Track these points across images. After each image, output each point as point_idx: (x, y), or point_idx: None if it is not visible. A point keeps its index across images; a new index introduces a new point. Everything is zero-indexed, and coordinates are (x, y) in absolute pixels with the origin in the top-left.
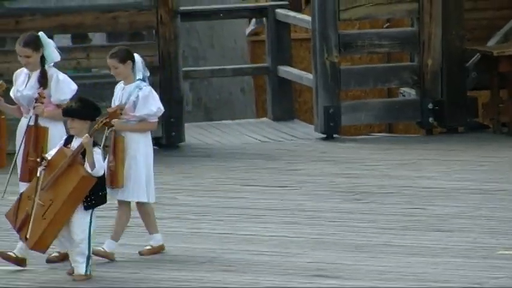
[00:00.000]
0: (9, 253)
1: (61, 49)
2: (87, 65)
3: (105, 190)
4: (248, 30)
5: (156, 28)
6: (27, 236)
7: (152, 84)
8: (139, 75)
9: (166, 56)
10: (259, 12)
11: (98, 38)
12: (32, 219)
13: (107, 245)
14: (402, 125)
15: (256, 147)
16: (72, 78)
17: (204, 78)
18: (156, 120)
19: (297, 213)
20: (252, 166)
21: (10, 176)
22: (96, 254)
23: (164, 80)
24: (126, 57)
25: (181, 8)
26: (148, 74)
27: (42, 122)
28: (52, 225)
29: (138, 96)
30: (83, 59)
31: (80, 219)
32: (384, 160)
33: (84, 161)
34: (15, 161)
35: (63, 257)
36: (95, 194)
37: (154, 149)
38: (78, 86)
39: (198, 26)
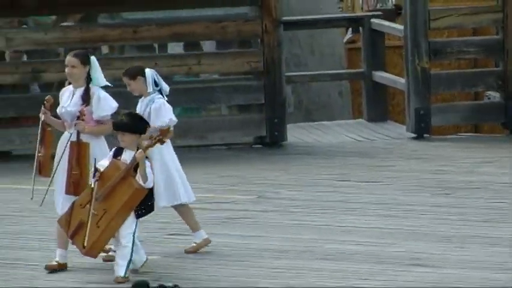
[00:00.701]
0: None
1: (174, 56)
2: (198, 71)
3: (153, 200)
4: (345, 38)
5: (261, 36)
6: (85, 244)
7: (256, 88)
8: (149, 89)
9: (270, 62)
10: (355, 22)
11: (208, 46)
12: (89, 228)
13: (197, 237)
14: (487, 125)
15: (353, 146)
16: (184, 83)
17: (305, 82)
18: (172, 129)
19: (391, 206)
20: (349, 163)
21: (49, 185)
22: (193, 251)
23: (268, 85)
24: (136, 73)
25: (284, 18)
26: (165, 87)
27: (84, 138)
28: (105, 233)
29: (150, 108)
30: (194, 65)
31: (128, 226)
32: (470, 158)
33: (135, 174)
34: (55, 172)
35: (61, 267)
36: (144, 204)
37: (259, 147)
38: (189, 90)
39: (299, 34)
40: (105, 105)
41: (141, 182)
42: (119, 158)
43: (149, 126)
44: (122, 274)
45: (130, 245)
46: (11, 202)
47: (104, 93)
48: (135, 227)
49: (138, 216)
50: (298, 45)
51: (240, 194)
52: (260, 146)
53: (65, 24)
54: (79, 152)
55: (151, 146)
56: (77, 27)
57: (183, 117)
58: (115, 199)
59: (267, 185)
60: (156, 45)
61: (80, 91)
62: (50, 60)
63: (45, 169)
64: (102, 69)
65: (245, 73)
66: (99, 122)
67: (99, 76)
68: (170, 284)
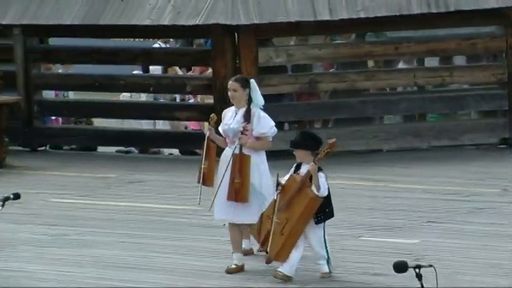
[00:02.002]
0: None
1: (429, 69)
2: (450, 82)
3: (331, 206)
4: None
5: (506, 52)
6: (268, 250)
7: (501, 97)
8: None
9: None
10: None
11: (459, 60)
12: (271, 235)
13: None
14: None
15: None
16: (437, 92)
17: None
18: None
19: None
20: None
21: (216, 194)
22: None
23: (510, 93)
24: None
25: None
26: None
27: (245, 151)
28: (289, 240)
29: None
30: (447, 76)
31: (315, 234)
32: None
33: (311, 185)
34: (221, 182)
35: (240, 269)
36: (322, 211)
37: (503, 147)
38: (442, 98)
39: None
40: (264, 123)
41: (315, 191)
42: (298, 172)
43: (321, 142)
44: (327, 270)
45: (324, 248)
46: None
47: (263, 114)
48: (323, 230)
49: (317, 222)
50: None
51: (486, 187)
52: (504, 146)
53: (337, 41)
54: (241, 163)
55: (322, 158)
56: (347, 44)
57: (438, 121)
58: (294, 208)
59: (510, 180)
60: (414, 60)
61: (241, 111)
62: (324, 72)
63: (209, 180)
64: (368, 80)
65: (491, 83)
66: (258, 138)
67: (258, 97)
68: (426, 264)
